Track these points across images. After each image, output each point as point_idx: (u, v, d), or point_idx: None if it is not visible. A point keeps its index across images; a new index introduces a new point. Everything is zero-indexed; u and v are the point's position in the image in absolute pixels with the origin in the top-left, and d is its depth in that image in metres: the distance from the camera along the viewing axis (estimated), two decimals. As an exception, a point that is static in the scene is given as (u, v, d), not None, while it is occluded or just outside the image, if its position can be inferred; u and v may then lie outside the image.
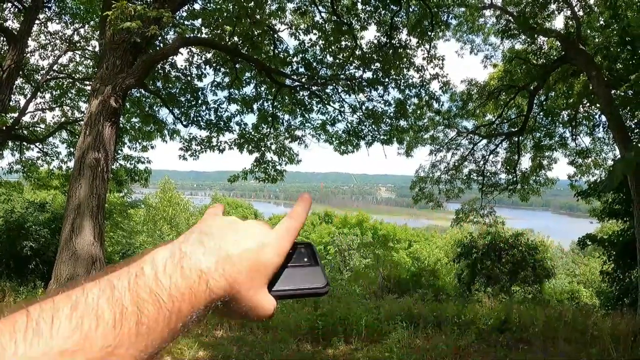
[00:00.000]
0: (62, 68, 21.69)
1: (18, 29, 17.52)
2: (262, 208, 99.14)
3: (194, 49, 18.07)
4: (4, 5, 18.90)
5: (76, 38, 21.02)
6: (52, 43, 21.10)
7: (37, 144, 21.88)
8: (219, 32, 16.10)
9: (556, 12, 19.53)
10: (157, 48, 15.61)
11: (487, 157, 24.40)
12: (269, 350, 10.07)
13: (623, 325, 10.80)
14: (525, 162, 25.85)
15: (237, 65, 17.47)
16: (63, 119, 22.38)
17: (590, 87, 18.32)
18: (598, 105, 20.04)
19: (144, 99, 19.99)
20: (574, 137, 23.54)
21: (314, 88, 18.63)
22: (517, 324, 11.79)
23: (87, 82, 21.21)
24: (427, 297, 15.57)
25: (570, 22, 18.86)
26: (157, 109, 20.23)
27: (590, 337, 10.73)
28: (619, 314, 13.22)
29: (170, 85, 18.83)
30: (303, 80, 18.44)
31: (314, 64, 18.39)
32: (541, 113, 23.28)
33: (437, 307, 13.62)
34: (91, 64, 21.56)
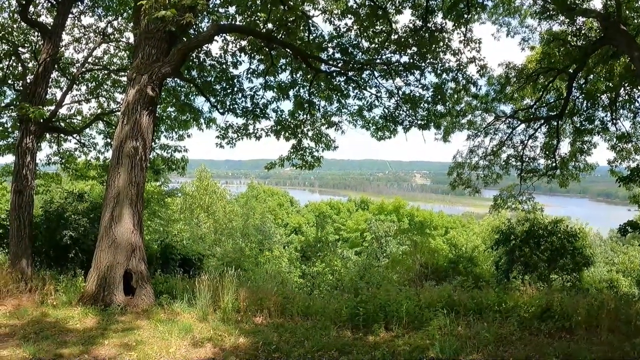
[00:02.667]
0: (96, 60, 21.83)
1: (52, 23, 17.67)
2: (297, 195, 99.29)
3: (228, 37, 18.06)
4: (37, 1, 19.08)
5: (110, 30, 21.14)
6: (86, 36, 21.24)
7: (74, 135, 22.09)
8: (253, 19, 16.05)
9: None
10: (192, 37, 15.60)
11: (525, 142, 23.95)
12: (309, 337, 10.03)
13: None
14: (565, 147, 25.31)
15: (272, 52, 17.37)
16: (99, 111, 22.56)
17: (632, 69, 17.79)
18: (638, 83, 19.49)
19: (179, 88, 20.07)
20: (614, 121, 22.95)
21: (350, 73, 18.48)
22: (559, 312, 11.51)
23: (122, 73, 21.31)
24: (467, 285, 15.36)
25: (610, 2, 18.32)
26: (192, 98, 20.31)
27: (634, 327, 10.44)
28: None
29: (205, 74, 18.86)
30: (339, 65, 18.29)
31: (350, 49, 18.22)
32: (581, 96, 22.73)
33: (477, 294, 13.37)
34: (125, 55, 21.67)
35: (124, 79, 20.97)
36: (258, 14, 15.88)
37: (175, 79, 19.09)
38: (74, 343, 9.38)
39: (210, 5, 14.97)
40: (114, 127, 21.17)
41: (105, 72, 21.69)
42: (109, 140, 22.67)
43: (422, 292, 13.61)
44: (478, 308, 12.01)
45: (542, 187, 26.66)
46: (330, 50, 18.49)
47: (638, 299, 15.55)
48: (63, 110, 21.28)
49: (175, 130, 22.09)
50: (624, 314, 11.07)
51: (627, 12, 18.60)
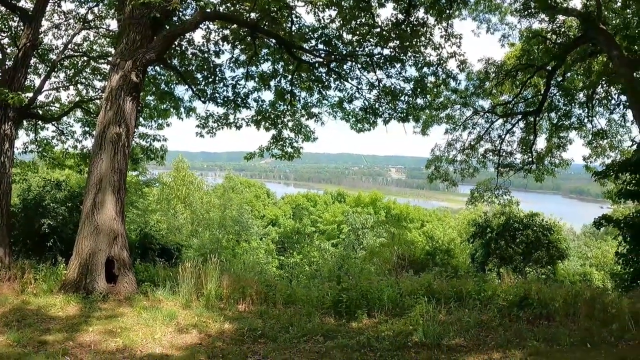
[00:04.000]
0: (76, 47, 21.61)
1: (32, 8, 17.45)
2: (272, 188, 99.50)
3: (211, 26, 17.99)
4: (18, -15, 18.83)
5: (90, 17, 20.94)
6: (65, 22, 21.03)
7: (52, 122, 21.88)
8: (238, 7, 16.02)
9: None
10: (175, 24, 15.55)
11: (503, 136, 24.32)
12: (294, 323, 10.12)
13: (642, 304, 10.76)
14: (541, 143, 25.72)
15: (255, 42, 17.37)
16: (78, 98, 22.35)
17: (610, 67, 18.14)
18: (617, 84, 19.86)
19: (159, 76, 19.97)
20: (590, 118, 23.39)
21: (332, 65, 18.55)
22: (537, 301, 11.78)
23: (102, 61, 21.16)
24: (445, 275, 15.58)
25: (590, 2, 18.62)
26: (173, 87, 20.23)
27: (610, 315, 10.72)
28: (636, 294, 13.14)
29: (186, 63, 18.78)
30: (322, 56, 18.35)
31: (333, 40, 18.29)
32: (558, 93, 23.09)
33: (456, 283, 13.62)
34: (105, 42, 21.50)
35: (104, 66, 20.86)
36: (242, 3, 15.85)
37: (155, 67, 19.01)
38: (58, 330, 9.35)
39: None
40: (92, 115, 21.06)
41: (85, 59, 21.44)
42: (87, 128, 22.48)
43: (402, 281, 13.82)
44: (458, 296, 12.23)
45: (516, 183, 27.00)
46: (313, 42, 18.55)
47: (612, 290, 15.85)
48: (41, 98, 21.06)
49: (155, 119, 21.96)
50: (599, 303, 11.33)
51: (606, 12, 18.93)
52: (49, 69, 20.38)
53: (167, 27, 14.55)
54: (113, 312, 10.71)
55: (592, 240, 50.33)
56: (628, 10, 18.09)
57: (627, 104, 19.62)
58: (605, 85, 22.23)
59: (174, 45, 17.21)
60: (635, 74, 16.25)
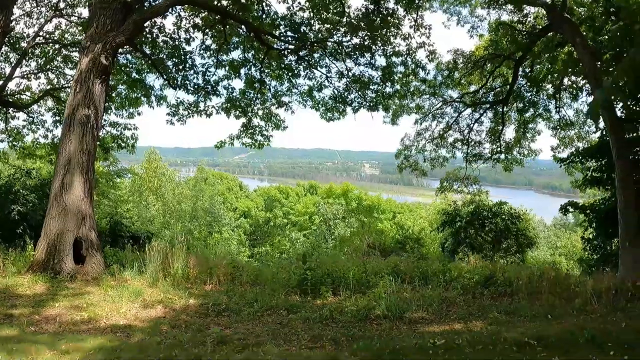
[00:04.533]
0: (47, 35, 21.52)
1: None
2: (246, 182, 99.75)
3: (182, 13, 18.08)
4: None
5: (62, 5, 20.87)
6: (37, 10, 20.91)
7: (23, 110, 21.82)
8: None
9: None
10: (146, 7, 15.61)
11: (471, 125, 24.71)
12: (258, 299, 10.30)
13: (604, 282, 11.10)
14: (510, 133, 26.19)
15: (226, 29, 17.49)
16: (49, 87, 22.27)
17: (575, 55, 18.54)
18: (580, 71, 20.27)
19: (130, 65, 20.01)
20: (558, 109, 23.83)
21: (302, 53, 18.74)
22: (502, 280, 12.09)
23: (73, 49, 21.08)
24: (413, 257, 15.88)
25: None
26: (144, 75, 20.24)
27: (572, 292, 11.06)
28: (600, 274, 13.52)
29: (157, 51, 18.84)
30: (292, 42, 18.54)
31: (302, 27, 18.46)
32: (526, 84, 23.48)
33: (422, 264, 13.92)
34: (77, 31, 21.44)
35: (76, 54, 20.77)
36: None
37: (127, 56, 19.05)
38: (24, 305, 9.43)
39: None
40: (63, 104, 20.98)
41: (57, 47, 21.34)
42: (57, 117, 22.41)
43: (369, 262, 14.04)
44: (423, 276, 12.45)
45: (489, 178, 27.51)
46: (283, 29, 18.71)
47: (579, 274, 16.26)
48: (12, 86, 20.96)
49: (126, 108, 21.95)
50: (563, 282, 11.69)
51: (574, 4, 19.32)
52: (19, 56, 20.29)
53: (137, 11, 14.62)
54: (80, 291, 10.81)
55: (562, 231, 51.31)
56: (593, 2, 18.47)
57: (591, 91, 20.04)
58: (571, 76, 22.65)
59: (145, 33, 17.28)
60: (597, 62, 16.64)
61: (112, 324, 8.59)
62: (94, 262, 12.61)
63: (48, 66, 22.04)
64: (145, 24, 15.89)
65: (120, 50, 15.82)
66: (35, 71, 22.14)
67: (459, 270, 13.23)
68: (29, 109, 22.36)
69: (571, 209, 19.31)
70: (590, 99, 22.06)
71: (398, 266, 13.24)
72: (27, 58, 21.01)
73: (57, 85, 22.33)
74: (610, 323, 8.36)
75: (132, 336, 7.91)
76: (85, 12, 20.28)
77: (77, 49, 20.67)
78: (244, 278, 12.48)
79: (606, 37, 17.90)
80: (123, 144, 22.67)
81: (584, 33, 18.07)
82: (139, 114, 22.30)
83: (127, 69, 19.88)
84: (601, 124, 18.74)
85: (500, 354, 6.67)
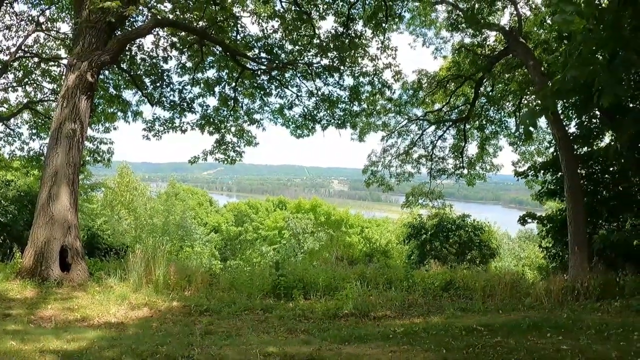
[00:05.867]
0: (27, 49, 21.96)
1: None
2: (215, 197, 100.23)
3: (161, 32, 18.90)
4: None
5: (42, 19, 21.38)
6: (17, 23, 21.40)
7: (2, 122, 22.23)
8: (187, 15, 16.98)
9: (501, 9, 21.05)
10: (128, 29, 16.42)
11: (435, 142, 25.83)
12: (236, 302, 11.14)
13: (556, 284, 12.18)
14: (473, 150, 27.39)
15: (202, 49, 18.35)
16: (26, 100, 22.73)
17: (529, 76, 19.79)
18: (533, 92, 21.48)
19: (108, 80, 20.66)
20: (518, 126, 25.01)
21: (274, 72, 19.67)
22: (461, 285, 13.19)
23: (52, 63, 21.65)
24: (378, 266, 16.79)
25: (514, 18, 20.31)
26: (121, 91, 20.92)
27: (525, 293, 12.18)
28: (554, 277, 14.57)
29: (135, 67, 19.58)
30: (265, 64, 19.45)
31: (275, 49, 19.42)
32: (487, 103, 24.67)
33: (387, 271, 14.93)
34: (55, 45, 21.99)
35: (54, 68, 21.42)
36: (192, 12, 16.79)
37: (105, 72, 19.77)
38: (18, 307, 10.09)
39: (148, 1, 15.77)
40: (41, 117, 21.57)
41: (36, 61, 21.86)
42: (34, 130, 22.91)
43: (337, 269, 14.98)
44: (388, 281, 13.43)
45: (456, 194, 28.58)
46: (257, 50, 19.66)
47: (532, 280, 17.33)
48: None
49: (102, 122, 22.53)
50: (517, 285, 12.79)
51: (535, 27, 20.56)
52: (0, 69, 20.76)
53: (120, 31, 15.42)
54: (68, 295, 11.47)
55: (526, 243, 52.81)
56: (548, 25, 19.70)
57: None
58: (529, 96, 23.87)
59: (124, 50, 18.05)
60: (548, 82, 17.85)
61: (104, 322, 9.35)
62: (79, 269, 13.28)
63: (26, 79, 22.50)
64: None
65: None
66: (14, 84, 22.58)
67: (422, 276, 14.26)
68: (7, 121, 22.79)
69: (529, 220, 20.42)
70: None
71: (364, 273, 14.20)
72: (6, 71, 21.43)
73: (34, 99, 22.82)
74: (554, 315, 9.44)
75: (126, 330, 8.70)
76: (64, 27, 20.94)
77: (56, 63, 21.39)
78: (220, 284, 13.27)
79: (558, 59, 19.20)
80: (99, 158, 23.22)
81: (541, 55, 19.35)
82: (115, 128, 22.95)
83: (105, 84, 20.52)
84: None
85: (451, 336, 7.66)
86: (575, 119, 18.04)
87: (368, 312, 10.29)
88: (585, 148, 17.68)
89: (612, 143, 16.34)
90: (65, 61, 15.45)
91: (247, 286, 12.84)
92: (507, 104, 25.06)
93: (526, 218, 20.15)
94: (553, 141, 19.46)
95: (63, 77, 14.82)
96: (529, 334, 7.81)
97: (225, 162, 21.90)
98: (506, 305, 11.05)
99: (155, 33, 18.73)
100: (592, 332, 7.97)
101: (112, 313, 9.99)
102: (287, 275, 12.97)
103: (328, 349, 6.99)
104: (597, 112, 16.87)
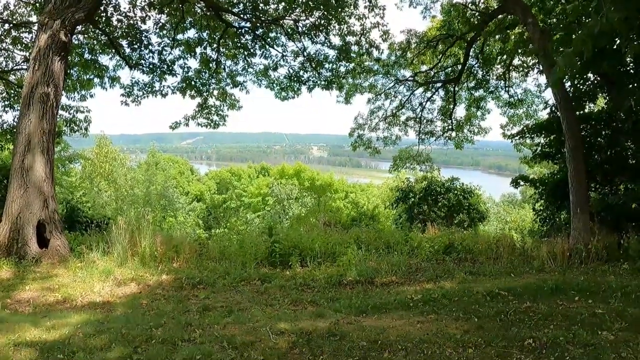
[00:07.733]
0: (-4, 14, 20.81)
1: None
2: (196, 166, 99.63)
3: (138, -10, 17.87)
4: None
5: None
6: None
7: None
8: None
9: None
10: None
11: (424, 104, 25.16)
12: (230, 273, 10.44)
13: (558, 247, 11.76)
14: (461, 112, 26.80)
15: (182, 6, 17.40)
16: (-3, 69, 21.64)
17: (526, 37, 19.12)
18: (532, 55, 20.86)
19: (82, 45, 19.63)
20: (507, 88, 24.48)
21: (258, 32, 18.80)
22: (461, 248, 12.70)
23: (24, 29, 20.53)
24: (373, 230, 16.25)
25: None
26: (96, 55, 19.91)
27: (529, 256, 11.73)
28: (552, 241, 14.17)
29: (111, 29, 18.56)
30: (250, 20, 18.57)
31: (261, 5, 18.50)
32: (477, 65, 23.96)
33: (383, 234, 14.38)
34: (26, 11, 20.86)
35: (26, 35, 20.31)
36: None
37: (79, 36, 18.72)
38: (-6, 290, 9.28)
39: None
40: (14, 88, 20.51)
41: (6, 27, 20.69)
42: (7, 102, 21.84)
43: (332, 234, 14.36)
44: (386, 246, 12.88)
45: (437, 159, 28.03)
46: (241, 6, 18.70)
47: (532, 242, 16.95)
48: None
49: (78, 90, 21.53)
50: (519, 247, 12.35)
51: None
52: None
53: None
54: (48, 274, 10.67)
55: (511, 207, 53.01)
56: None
57: (541, 69, 20.61)
58: (521, 56, 23.23)
59: (99, 11, 17.01)
60: (547, 41, 17.22)
61: (89, 302, 8.62)
62: (59, 244, 12.43)
63: (-4, 48, 21.39)
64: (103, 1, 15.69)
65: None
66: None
67: (419, 240, 13.72)
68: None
69: (522, 182, 19.97)
70: (542, 77, 22.84)
71: (360, 237, 13.64)
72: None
73: (6, 68, 21.71)
74: (569, 277, 8.96)
75: (114, 311, 7.96)
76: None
77: (28, 29, 20.25)
78: (210, 254, 12.59)
79: (555, 20, 18.55)
80: (76, 127, 22.23)
81: (536, 14, 18.65)
82: (91, 96, 21.88)
83: (80, 50, 19.48)
84: (550, 101, 19.44)
85: (476, 303, 7.10)
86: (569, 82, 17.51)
87: (373, 278, 9.71)
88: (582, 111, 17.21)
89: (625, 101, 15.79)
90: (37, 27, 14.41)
91: (239, 255, 12.17)
92: (497, 65, 24.36)
93: (519, 181, 19.73)
94: (549, 102, 18.94)
95: (35, 39, 13.77)
96: (556, 298, 7.35)
97: (209, 126, 21.17)
98: (514, 267, 10.63)
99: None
100: (618, 295, 7.55)
101: (97, 291, 9.23)
102: (281, 241, 12.33)
103: (347, 322, 6.40)
104: (591, 75, 16.42)
